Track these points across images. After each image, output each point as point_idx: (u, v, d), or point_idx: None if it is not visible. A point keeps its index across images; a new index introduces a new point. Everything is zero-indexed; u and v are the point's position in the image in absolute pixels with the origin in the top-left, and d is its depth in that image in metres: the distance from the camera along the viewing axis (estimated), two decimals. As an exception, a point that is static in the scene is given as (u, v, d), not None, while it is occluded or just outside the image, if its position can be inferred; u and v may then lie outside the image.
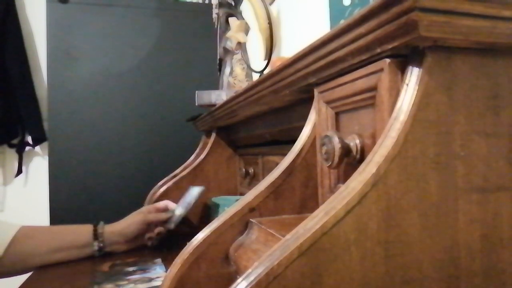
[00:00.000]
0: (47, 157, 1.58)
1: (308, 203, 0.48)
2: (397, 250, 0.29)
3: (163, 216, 0.91)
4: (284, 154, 0.48)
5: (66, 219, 1.43)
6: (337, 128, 0.42)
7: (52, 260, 0.83)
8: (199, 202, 0.97)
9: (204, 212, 1.04)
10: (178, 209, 0.92)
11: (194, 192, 0.93)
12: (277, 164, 0.49)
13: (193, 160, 1.16)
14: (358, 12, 0.32)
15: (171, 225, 0.89)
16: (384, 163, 0.28)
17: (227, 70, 1.26)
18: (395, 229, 0.29)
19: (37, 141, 1.96)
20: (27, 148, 2.01)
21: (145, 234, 0.91)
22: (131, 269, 0.79)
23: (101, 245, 0.86)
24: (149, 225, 0.91)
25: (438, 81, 0.30)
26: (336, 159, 0.36)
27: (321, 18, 1.11)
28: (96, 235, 0.86)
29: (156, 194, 1.05)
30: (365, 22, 0.32)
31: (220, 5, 1.33)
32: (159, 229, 0.90)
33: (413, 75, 0.30)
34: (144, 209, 0.94)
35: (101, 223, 0.89)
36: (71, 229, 0.89)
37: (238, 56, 1.26)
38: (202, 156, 1.07)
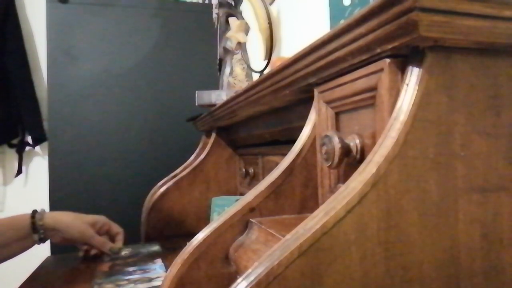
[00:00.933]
0: (47, 157, 1.58)
1: (308, 203, 0.48)
2: (397, 250, 0.29)
3: (105, 249, 0.88)
4: (284, 154, 0.48)
5: (66, 219, 1.43)
6: (337, 128, 0.42)
7: None
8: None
9: (204, 212, 1.04)
10: (125, 251, 0.91)
11: (150, 249, 0.93)
12: (277, 164, 0.48)
13: (193, 160, 1.16)
14: (358, 12, 0.32)
15: (107, 259, 0.88)
16: (384, 163, 0.28)
17: (227, 70, 1.26)
18: (395, 229, 0.29)
19: (37, 141, 1.96)
20: (27, 148, 2.01)
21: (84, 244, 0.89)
22: (131, 269, 0.79)
23: (42, 236, 0.82)
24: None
25: (438, 81, 0.30)
26: (336, 159, 0.36)
27: (321, 18, 1.11)
28: (35, 228, 0.82)
29: (156, 194, 1.05)
30: (365, 22, 0.32)
31: (220, 5, 1.32)
32: (95, 252, 0.89)
33: (413, 75, 0.30)
34: (100, 222, 0.90)
35: (40, 211, 0.84)
36: (9, 224, 0.83)
37: (238, 56, 1.26)
38: (202, 156, 1.07)
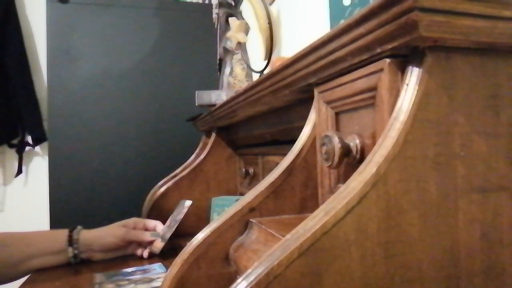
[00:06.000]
0: (47, 157, 1.58)
1: (308, 203, 0.48)
2: (397, 250, 0.29)
3: (146, 237, 0.87)
4: (284, 154, 0.48)
5: (66, 219, 1.43)
6: (337, 128, 0.42)
7: (25, 269, 0.79)
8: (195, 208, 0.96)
9: (204, 212, 1.04)
10: (165, 231, 0.89)
11: (184, 209, 0.90)
12: (277, 164, 0.48)
13: (193, 160, 1.16)
14: (358, 12, 0.32)
15: (157, 251, 0.86)
16: (384, 163, 0.28)
17: (227, 70, 1.26)
18: (395, 229, 0.29)
19: (37, 141, 1.96)
20: (27, 148, 2.01)
21: (124, 247, 0.88)
22: (131, 269, 0.79)
23: (76, 252, 0.83)
24: (130, 241, 0.88)
25: (438, 81, 0.30)
26: (336, 159, 0.36)
27: (321, 18, 1.11)
28: (71, 241, 0.83)
29: (156, 194, 1.05)
30: (365, 22, 0.32)
31: (220, 5, 1.33)
32: (147, 253, 0.88)
33: (413, 75, 0.30)
34: (131, 222, 0.90)
35: (78, 227, 0.85)
36: (46, 235, 0.86)
37: (238, 56, 1.26)
38: (202, 156, 1.07)
